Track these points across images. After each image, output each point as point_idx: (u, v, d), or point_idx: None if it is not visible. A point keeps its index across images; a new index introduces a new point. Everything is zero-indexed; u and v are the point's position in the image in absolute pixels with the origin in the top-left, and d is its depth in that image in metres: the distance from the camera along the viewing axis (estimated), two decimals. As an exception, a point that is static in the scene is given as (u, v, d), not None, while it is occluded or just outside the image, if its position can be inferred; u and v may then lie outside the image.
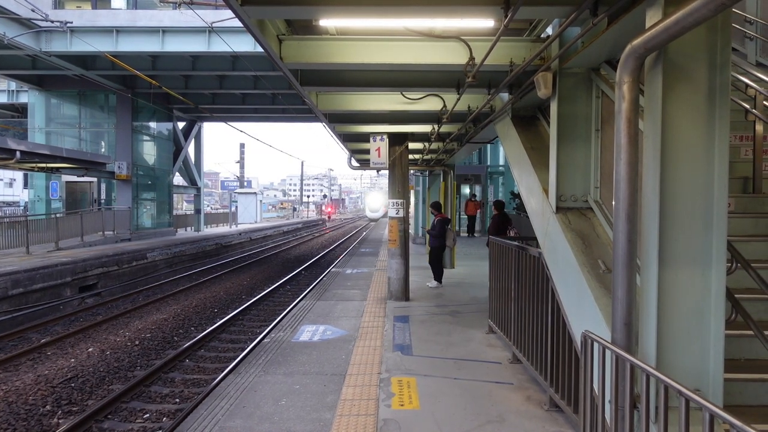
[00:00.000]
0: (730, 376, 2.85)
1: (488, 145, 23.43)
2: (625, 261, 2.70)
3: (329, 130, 10.36)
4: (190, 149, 29.18)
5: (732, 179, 4.03)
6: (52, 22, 14.59)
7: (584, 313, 3.51)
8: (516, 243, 5.67)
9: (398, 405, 4.54)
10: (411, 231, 19.97)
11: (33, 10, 13.99)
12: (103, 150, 22.73)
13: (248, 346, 8.62)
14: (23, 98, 23.98)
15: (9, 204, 47.38)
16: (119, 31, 16.04)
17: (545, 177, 4.62)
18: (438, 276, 10.73)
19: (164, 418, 6.07)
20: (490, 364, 5.69)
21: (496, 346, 6.37)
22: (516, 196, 17.58)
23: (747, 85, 4.67)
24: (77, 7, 17.75)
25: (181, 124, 27.82)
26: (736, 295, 3.01)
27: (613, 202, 2.79)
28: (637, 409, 2.52)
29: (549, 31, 5.00)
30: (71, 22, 15.15)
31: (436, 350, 6.19)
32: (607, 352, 2.71)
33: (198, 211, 30.46)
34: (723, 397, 2.62)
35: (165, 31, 16.03)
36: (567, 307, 3.91)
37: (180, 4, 14.20)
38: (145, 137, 23.82)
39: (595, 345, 2.87)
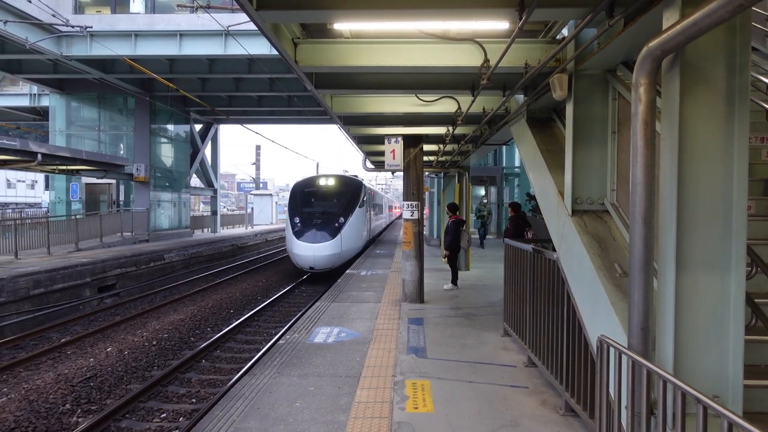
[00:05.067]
0: (750, 382, 2.80)
1: (504, 147, 23.24)
2: (641, 265, 2.67)
3: (344, 132, 10.39)
4: (207, 151, 29.47)
5: (752, 181, 3.96)
6: (73, 27, 14.85)
7: (600, 317, 3.47)
8: (531, 246, 5.63)
9: (412, 408, 4.53)
10: (426, 232, 19.88)
11: (54, 16, 14.26)
12: (121, 152, 23.06)
13: (263, 348, 8.68)
14: (44, 102, 24.42)
15: (31, 205, 48.32)
16: (137, 35, 16.25)
17: (561, 179, 4.58)
18: (453, 278, 10.69)
19: (181, 418, 6.13)
20: (505, 368, 5.65)
21: (511, 349, 6.32)
22: (531, 197, 17.43)
23: (768, 86, 4.58)
24: (97, 11, 18.02)
25: (198, 127, 28.10)
26: (756, 300, 2.96)
27: (630, 205, 2.76)
28: (654, 416, 2.49)
29: (564, 32, 4.97)
30: (91, 27, 15.40)
31: (451, 353, 6.17)
32: (624, 358, 2.68)
33: (214, 212, 30.73)
34: (743, 404, 2.57)
35: (182, 34, 16.21)
36: (583, 311, 3.87)
37: (197, 8, 14.35)
38: (163, 139, 24.11)
39: (611, 350, 2.84)
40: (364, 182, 19.49)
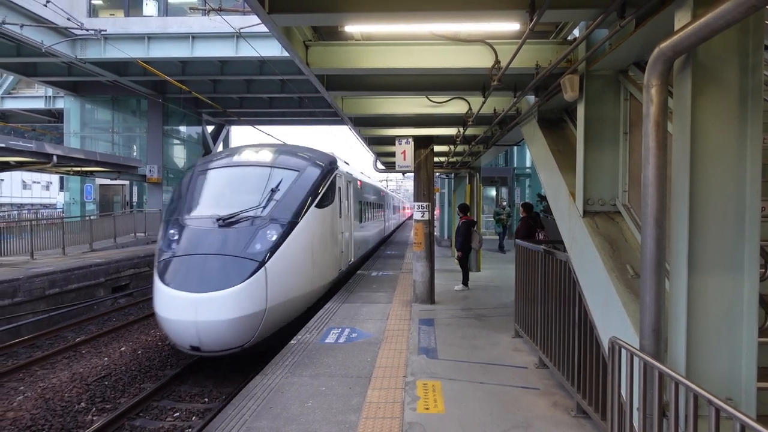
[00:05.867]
0: (763, 385, 2.78)
1: (515, 147, 23.08)
2: (653, 266, 2.66)
3: (355, 133, 10.43)
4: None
5: (765, 182, 3.92)
6: (87, 30, 15.04)
7: (612, 318, 3.47)
8: (542, 247, 5.62)
9: (423, 408, 4.54)
10: (436, 233, 19.77)
11: (69, 19, 14.45)
12: (134, 154, 23.34)
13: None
14: (59, 104, 24.79)
15: (46, 206, 48.95)
16: (150, 37, 16.46)
17: (572, 180, 4.57)
18: (464, 279, 10.68)
19: (194, 417, 6.19)
20: (516, 369, 5.64)
21: (522, 350, 6.31)
22: (543, 198, 17.29)
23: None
24: (110, 15, 18.27)
25: (210, 128, 28.34)
26: (770, 302, 2.93)
27: (641, 206, 2.75)
28: (665, 417, 2.48)
29: (576, 32, 4.95)
30: (105, 30, 15.61)
31: (462, 354, 6.17)
32: (635, 359, 2.68)
33: (226, 213, 30.86)
34: (756, 407, 2.56)
35: (194, 37, 16.39)
36: (594, 313, 3.86)
37: (209, 10, 14.48)
38: (175, 141, 24.38)
39: (623, 351, 2.83)
40: (338, 162, 10.96)
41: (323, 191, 8.99)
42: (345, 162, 13.38)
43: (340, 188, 10.50)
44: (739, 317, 2.56)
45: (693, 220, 2.59)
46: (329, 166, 9.69)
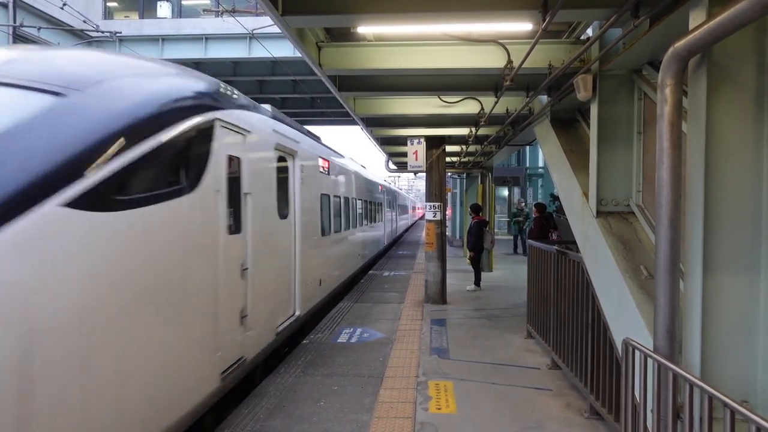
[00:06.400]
0: (780, 387, 2.75)
1: (527, 147, 22.92)
2: (667, 267, 2.64)
3: (367, 133, 10.44)
4: (232, 153, 29.87)
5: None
6: (103, 32, 15.25)
7: (625, 319, 3.45)
8: (555, 247, 5.60)
9: (435, 408, 4.55)
10: (448, 233, 19.70)
11: (85, 21, 14.64)
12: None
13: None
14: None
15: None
16: (164, 39, 16.65)
17: (585, 180, 4.55)
18: (476, 279, 10.65)
19: (207, 415, 6.24)
20: (529, 370, 5.62)
21: (534, 351, 6.29)
22: (555, 198, 17.12)
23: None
24: (125, 17, 18.50)
25: (222, 129, 28.53)
26: (786, 304, 2.90)
27: (656, 207, 2.73)
28: (680, 419, 2.47)
29: (589, 32, 4.93)
30: (120, 32, 15.82)
31: (474, 354, 6.16)
32: (649, 361, 2.66)
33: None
34: (773, 409, 2.53)
35: (208, 38, 16.54)
36: (608, 313, 3.84)
37: (222, 12, 14.60)
38: (189, 142, 24.59)
39: (637, 353, 2.82)
40: (245, 104, 4.86)
41: (139, 158, 3.04)
42: (304, 132, 7.59)
43: (242, 163, 4.63)
44: (755, 318, 2.53)
45: (708, 220, 2.57)
46: (193, 99, 3.88)
